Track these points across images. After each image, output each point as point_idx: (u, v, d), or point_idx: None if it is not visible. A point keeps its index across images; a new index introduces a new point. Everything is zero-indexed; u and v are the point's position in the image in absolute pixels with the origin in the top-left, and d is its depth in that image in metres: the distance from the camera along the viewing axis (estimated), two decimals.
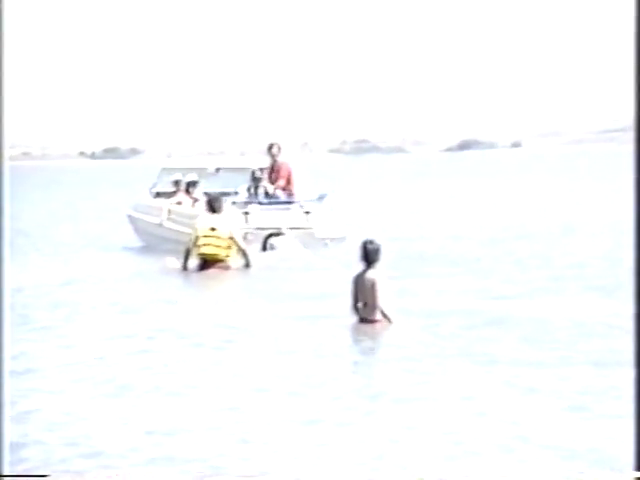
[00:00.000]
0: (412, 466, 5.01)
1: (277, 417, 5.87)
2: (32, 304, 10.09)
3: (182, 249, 13.80)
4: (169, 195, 15.55)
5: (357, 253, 8.68)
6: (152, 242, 15.43)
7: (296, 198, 14.43)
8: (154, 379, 6.81)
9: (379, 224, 19.63)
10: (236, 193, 14.90)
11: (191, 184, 15.25)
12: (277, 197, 14.43)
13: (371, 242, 8.68)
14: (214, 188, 15.00)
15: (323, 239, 13.86)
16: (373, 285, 8.44)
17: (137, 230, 16.25)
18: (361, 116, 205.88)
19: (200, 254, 12.39)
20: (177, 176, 15.43)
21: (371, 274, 8.51)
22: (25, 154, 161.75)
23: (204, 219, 12.52)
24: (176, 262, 12.75)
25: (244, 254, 12.41)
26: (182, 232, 14.44)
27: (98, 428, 5.72)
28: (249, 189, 14.82)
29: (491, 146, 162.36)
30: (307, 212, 14.16)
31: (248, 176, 15.02)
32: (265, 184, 14.64)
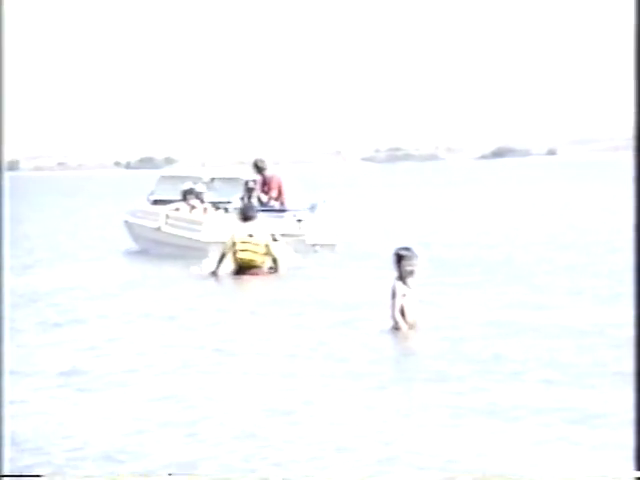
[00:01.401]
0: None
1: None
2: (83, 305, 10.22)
3: (180, 253, 14.83)
4: (167, 202, 16.24)
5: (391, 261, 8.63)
6: (149, 247, 16.10)
7: (288, 207, 15.33)
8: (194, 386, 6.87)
9: (411, 232, 19.58)
10: (229, 202, 15.61)
11: (188, 192, 15.90)
12: (270, 206, 15.19)
13: (405, 249, 8.57)
14: (208, 197, 15.88)
15: (313, 245, 14.53)
16: (393, 293, 8.42)
17: (134, 235, 16.91)
18: (394, 124, 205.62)
19: (238, 259, 12.82)
20: (187, 185, 16.03)
21: (394, 283, 8.46)
22: (61, 164, 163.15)
23: (240, 226, 13.02)
24: (200, 270, 13.14)
25: (275, 261, 12.89)
26: (181, 236, 15.27)
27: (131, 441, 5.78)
28: (242, 198, 15.49)
29: (525, 153, 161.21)
30: (299, 220, 14.87)
31: (241, 186, 15.71)
32: (258, 194, 15.44)
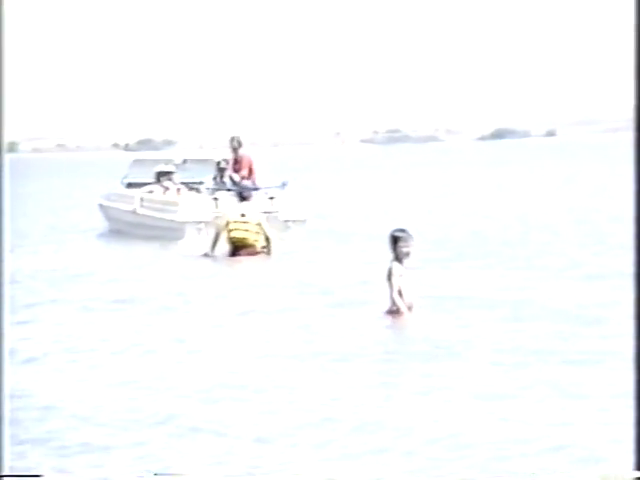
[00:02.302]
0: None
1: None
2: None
3: (156, 234, 15.29)
4: (141, 185, 16.61)
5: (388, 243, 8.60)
6: (124, 229, 16.56)
7: (260, 185, 15.48)
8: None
9: (409, 213, 19.55)
10: (201, 182, 16.06)
11: (162, 174, 16.33)
12: (243, 185, 15.57)
13: (400, 230, 8.61)
14: (181, 178, 16.35)
15: (286, 221, 14.92)
16: (389, 275, 8.42)
17: (109, 218, 17.43)
18: (393, 106, 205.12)
19: (231, 238, 13.07)
20: (160, 167, 16.46)
21: (390, 264, 8.46)
22: (59, 146, 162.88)
23: (234, 206, 13.39)
24: (188, 247, 13.63)
25: (268, 240, 13.14)
26: (156, 217, 15.72)
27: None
28: (215, 178, 15.91)
29: (525, 135, 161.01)
30: (271, 197, 15.26)
31: (212, 167, 16.11)
32: (230, 173, 15.82)
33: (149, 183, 16.57)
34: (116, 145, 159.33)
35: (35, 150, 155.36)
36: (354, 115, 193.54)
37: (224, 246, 13.14)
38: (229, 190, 15.40)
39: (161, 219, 15.73)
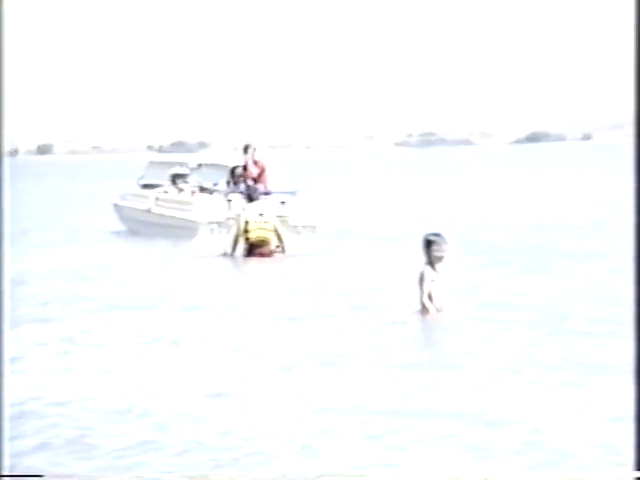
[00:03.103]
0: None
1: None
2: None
3: (170, 233, 15.86)
4: (156, 187, 17.15)
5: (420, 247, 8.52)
6: (138, 228, 17.06)
7: (271, 190, 15.84)
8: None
9: (444, 217, 19.39)
10: (215, 184, 16.52)
11: (177, 176, 16.90)
12: (255, 189, 16.08)
13: (434, 235, 8.51)
14: (195, 181, 16.88)
15: (296, 226, 15.17)
16: (420, 279, 8.37)
17: (123, 218, 17.95)
18: (427, 108, 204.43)
19: (252, 238, 13.41)
20: (175, 170, 17.03)
21: (423, 268, 8.40)
22: (95, 148, 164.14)
23: (250, 207, 13.70)
24: (201, 246, 13.90)
25: (281, 240, 13.48)
26: (170, 216, 16.29)
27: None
28: (228, 183, 16.35)
29: (560, 138, 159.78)
30: (282, 202, 15.59)
31: (226, 172, 16.51)
32: (244, 178, 16.02)
33: (164, 185, 17.04)
34: (150, 147, 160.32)
35: (71, 152, 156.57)
36: (388, 118, 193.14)
37: (241, 245, 13.45)
38: (242, 193, 15.82)
39: (175, 218, 16.16)
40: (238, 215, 13.78)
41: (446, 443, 5.19)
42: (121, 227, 17.95)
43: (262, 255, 13.28)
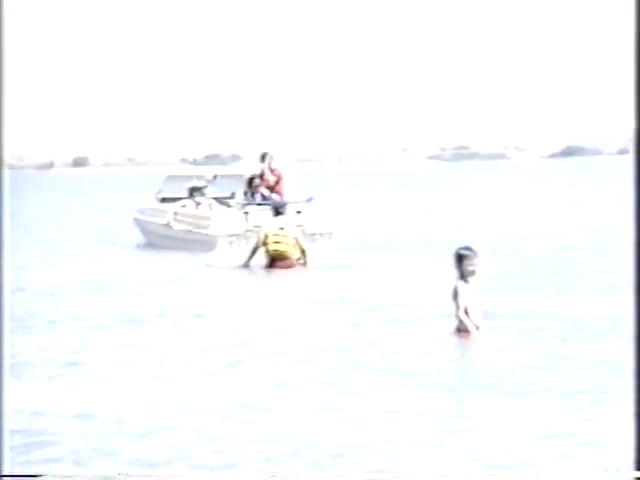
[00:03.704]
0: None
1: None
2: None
3: (189, 247, 16.07)
4: (174, 200, 17.38)
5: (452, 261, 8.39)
6: (158, 242, 17.31)
7: (288, 200, 15.91)
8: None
9: (477, 232, 19.16)
10: (233, 196, 16.71)
11: (194, 189, 17.09)
12: (272, 199, 16.18)
13: (466, 248, 8.41)
14: (212, 193, 17.10)
15: (313, 234, 15.22)
16: (454, 294, 8.26)
17: (144, 231, 18.25)
18: (461, 122, 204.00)
19: (271, 251, 13.49)
20: (193, 183, 17.23)
21: (455, 282, 8.30)
22: (129, 160, 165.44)
23: (271, 220, 13.82)
24: (219, 259, 14.01)
25: (303, 253, 13.56)
26: (189, 231, 16.53)
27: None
28: (245, 193, 16.47)
29: (596, 152, 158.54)
30: (298, 211, 15.67)
31: (242, 182, 16.70)
32: (261, 188, 16.24)
33: (182, 198, 17.27)
34: (184, 160, 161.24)
35: (106, 164, 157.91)
36: (421, 131, 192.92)
37: (261, 258, 13.56)
38: (259, 205, 15.98)
39: (194, 232, 16.39)
40: (260, 227, 13.91)
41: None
42: (142, 240, 18.40)
43: (283, 267, 13.37)
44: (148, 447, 5.36)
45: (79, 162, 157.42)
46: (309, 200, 16.10)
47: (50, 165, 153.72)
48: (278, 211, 13.83)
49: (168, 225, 17.08)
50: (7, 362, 4.14)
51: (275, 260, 13.48)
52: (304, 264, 13.53)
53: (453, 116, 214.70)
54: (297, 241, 13.56)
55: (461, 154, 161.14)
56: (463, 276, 8.31)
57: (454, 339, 8.16)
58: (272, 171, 16.16)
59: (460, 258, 8.33)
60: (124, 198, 40.65)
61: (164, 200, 17.85)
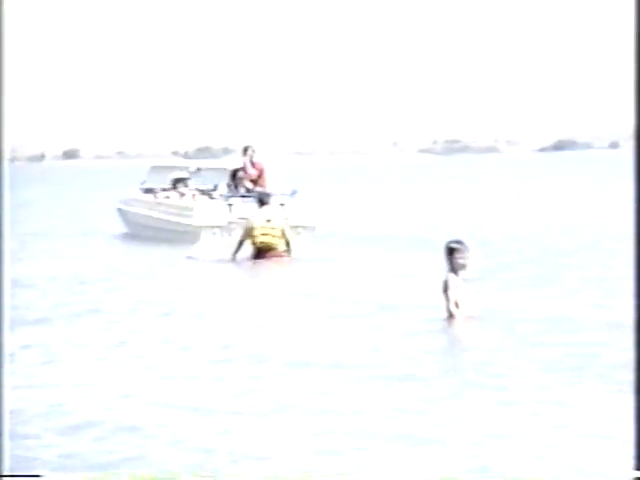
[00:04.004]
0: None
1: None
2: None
3: (172, 238, 16.19)
4: (158, 191, 17.46)
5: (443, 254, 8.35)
6: (141, 232, 17.39)
7: (271, 192, 15.78)
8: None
9: (467, 224, 19.12)
10: (215, 188, 16.67)
11: (178, 180, 17.22)
12: (255, 191, 16.18)
13: (457, 242, 8.36)
14: (195, 185, 17.16)
15: (296, 227, 15.19)
16: (445, 287, 8.24)
17: (127, 221, 18.34)
18: (452, 115, 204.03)
19: (257, 243, 13.56)
20: (177, 174, 17.35)
21: (446, 276, 8.27)
22: (119, 153, 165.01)
23: (258, 212, 13.77)
24: (203, 251, 14.00)
25: (288, 244, 13.63)
26: (172, 221, 16.57)
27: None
28: (229, 185, 16.57)
29: (587, 146, 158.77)
30: (282, 204, 15.59)
31: (225, 175, 16.77)
32: (244, 181, 16.43)
33: (165, 189, 17.35)
34: (175, 153, 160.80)
35: (97, 157, 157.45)
36: (413, 124, 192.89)
37: (248, 250, 13.60)
38: (242, 197, 15.98)
39: (177, 223, 16.41)
40: (247, 219, 13.92)
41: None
42: (126, 230, 18.47)
43: (269, 257, 13.43)
44: (113, 445, 5.26)
45: (70, 154, 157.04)
46: (293, 193, 16.11)
47: (41, 157, 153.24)
48: (263, 201, 13.83)
49: (152, 215, 17.11)
50: (7, 362, 4.06)
51: (261, 252, 13.53)
52: (289, 254, 13.60)
53: (445, 109, 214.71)
54: (283, 232, 13.62)
55: (452, 147, 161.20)
56: (454, 269, 8.28)
57: (442, 331, 8.10)
58: (253, 165, 16.38)
59: (451, 251, 8.31)
60: (113, 191, 40.59)
61: (148, 191, 17.85)
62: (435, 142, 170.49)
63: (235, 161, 17.08)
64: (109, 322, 8.88)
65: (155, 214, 17.11)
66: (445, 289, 8.26)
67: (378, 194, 35.76)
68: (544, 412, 5.76)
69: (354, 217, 22.87)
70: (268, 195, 14.24)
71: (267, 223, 13.57)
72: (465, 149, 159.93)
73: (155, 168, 18.72)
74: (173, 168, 18.02)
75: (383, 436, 5.33)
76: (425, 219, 21.79)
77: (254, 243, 13.53)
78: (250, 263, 13.33)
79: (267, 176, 16.42)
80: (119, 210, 18.75)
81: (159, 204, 17.09)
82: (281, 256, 13.50)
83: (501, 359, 7.14)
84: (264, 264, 13.23)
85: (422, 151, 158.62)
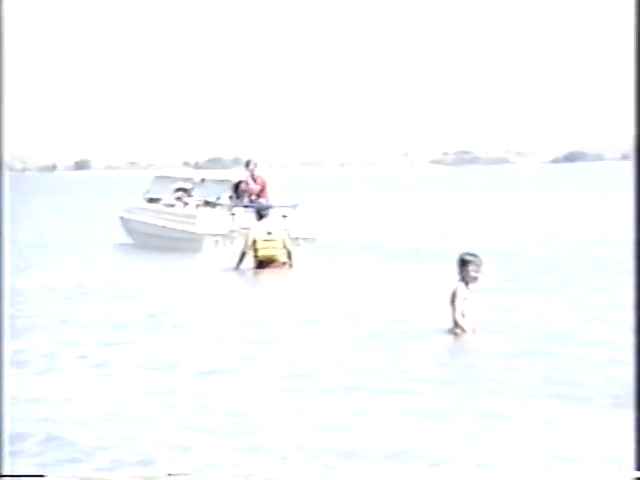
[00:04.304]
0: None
1: None
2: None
3: (174, 246, 16.42)
4: (161, 200, 17.74)
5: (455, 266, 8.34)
6: (144, 240, 17.59)
7: (274, 204, 16.11)
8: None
9: (477, 236, 19.07)
10: (218, 198, 16.93)
11: (182, 190, 17.47)
12: (258, 203, 16.47)
13: (471, 255, 8.34)
14: (199, 196, 17.34)
15: (297, 239, 15.38)
16: (452, 297, 8.22)
17: (129, 230, 18.49)
18: (463, 126, 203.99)
19: (259, 256, 13.66)
20: (180, 184, 17.59)
21: (456, 286, 8.26)
22: (132, 164, 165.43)
23: (259, 225, 14.00)
24: (207, 260, 14.33)
25: (289, 255, 13.83)
26: (175, 229, 16.78)
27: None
28: (231, 197, 16.79)
29: (599, 158, 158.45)
30: (284, 215, 15.83)
31: (229, 187, 16.94)
32: (246, 192, 16.48)
33: (170, 198, 17.54)
34: (186, 163, 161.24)
35: (108, 167, 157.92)
36: (423, 135, 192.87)
37: (250, 261, 13.81)
38: (245, 207, 16.19)
39: (180, 231, 16.61)
40: (247, 230, 14.10)
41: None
42: (128, 240, 18.54)
43: (271, 268, 13.61)
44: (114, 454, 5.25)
45: (81, 165, 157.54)
46: (295, 206, 16.30)
47: (52, 168, 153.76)
48: (261, 214, 14.05)
49: (155, 224, 17.25)
50: (7, 363, 4.07)
51: (263, 263, 13.72)
52: (290, 265, 13.79)
53: (455, 121, 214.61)
54: (284, 244, 13.79)
55: (463, 159, 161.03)
56: (465, 280, 8.26)
57: (446, 342, 8.07)
58: (255, 179, 16.58)
59: (464, 263, 8.29)
60: (123, 202, 40.70)
61: (152, 200, 18.03)
62: (446, 153, 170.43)
63: (239, 173, 17.28)
64: (112, 327, 8.87)
65: (158, 222, 17.24)
66: (453, 299, 8.25)
67: (388, 205, 35.72)
68: (543, 421, 5.73)
69: (362, 228, 22.86)
70: (267, 208, 14.53)
71: (268, 235, 13.76)
72: (476, 160, 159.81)
73: (159, 178, 18.87)
74: (176, 178, 18.19)
75: (375, 453, 5.30)
76: (435, 231, 21.75)
77: (256, 256, 13.73)
78: (252, 273, 13.55)
79: (269, 189, 16.60)
80: (122, 219, 18.87)
81: (162, 212, 17.24)
82: (282, 267, 13.66)
83: (502, 368, 7.10)
84: (265, 274, 13.40)
85: (433, 162, 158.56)
